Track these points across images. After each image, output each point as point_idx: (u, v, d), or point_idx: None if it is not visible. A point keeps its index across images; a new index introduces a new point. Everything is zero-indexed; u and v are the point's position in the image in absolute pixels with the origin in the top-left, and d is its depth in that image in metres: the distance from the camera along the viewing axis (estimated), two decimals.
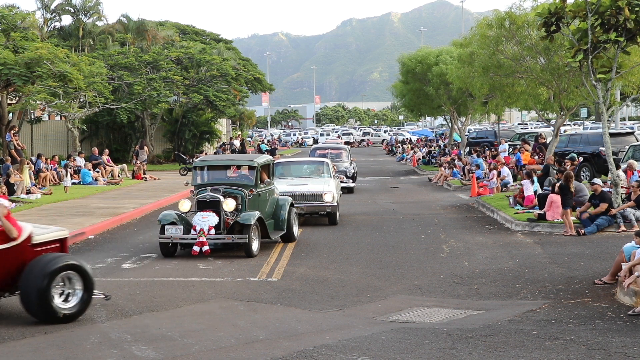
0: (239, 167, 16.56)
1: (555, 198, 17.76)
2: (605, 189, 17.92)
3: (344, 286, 12.21)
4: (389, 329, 9.22)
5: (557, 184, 18.15)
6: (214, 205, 14.70)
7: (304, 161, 24.61)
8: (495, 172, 26.66)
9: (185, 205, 15.06)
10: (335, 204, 19.41)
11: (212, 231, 14.40)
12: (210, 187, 15.15)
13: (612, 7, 15.88)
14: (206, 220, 14.40)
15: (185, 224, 14.72)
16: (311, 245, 16.20)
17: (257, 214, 14.68)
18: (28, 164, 26.82)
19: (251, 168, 15.76)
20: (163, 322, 9.64)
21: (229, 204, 14.64)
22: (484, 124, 70.22)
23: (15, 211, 21.16)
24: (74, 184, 28.54)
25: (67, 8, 50.46)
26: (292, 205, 16.65)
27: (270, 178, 16.45)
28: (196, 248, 14.31)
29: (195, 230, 14.43)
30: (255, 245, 14.59)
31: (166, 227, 14.58)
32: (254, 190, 15.21)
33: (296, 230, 16.87)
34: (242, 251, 14.64)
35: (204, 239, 14.30)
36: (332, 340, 8.60)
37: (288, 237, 16.28)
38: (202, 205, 14.80)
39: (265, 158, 16.56)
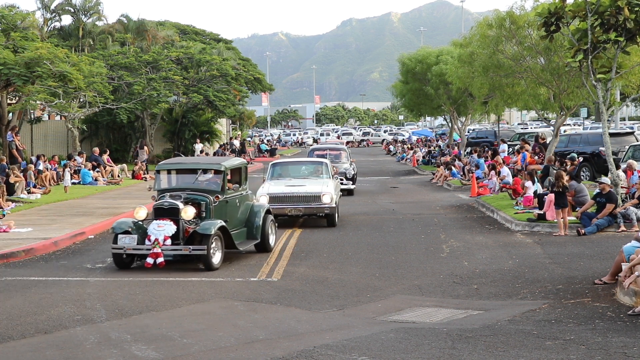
0: (205, 171, 14.83)
1: (553, 198, 17.76)
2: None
3: (344, 286, 12.21)
4: (389, 329, 9.21)
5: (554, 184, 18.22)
6: (172, 213, 13.31)
7: (302, 162, 23.91)
8: (494, 172, 26.65)
9: (141, 213, 13.66)
10: (334, 205, 19.02)
11: (168, 241, 13.04)
12: (169, 193, 13.83)
13: (611, 7, 15.87)
14: (162, 230, 13.05)
15: (142, 233, 13.31)
16: (311, 246, 16.18)
17: (219, 222, 13.34)
18: (29, 169, 26.89)
19: (218, 172, 14.27)
20: (163, 322, 9.64)
21: (187, 212, 13.25)
22: (483, 123, 70.18)
23: (15, 211, 21.19)
24: (74, 184, 28.55)
25: (67, 8, 50.50)
26: (268, 212, 15.38)
27: (243, 183, 15.21)
28: (149, 260, 13.01)
29: (149, 240, 13.09)
30: (216, 258, 13.28)
31: (119, 236, 13.28)
32: (220, 196, 13.83)
33: (272, 239, 15.44)
34: (240, 252, 14.46)
35: (159, 250, 12.99)
36: (332, 340, 8.59)
37: (263, 247, 15.01)
38: (160, 213, 13.41)
39: (236, 161, 15.52)
